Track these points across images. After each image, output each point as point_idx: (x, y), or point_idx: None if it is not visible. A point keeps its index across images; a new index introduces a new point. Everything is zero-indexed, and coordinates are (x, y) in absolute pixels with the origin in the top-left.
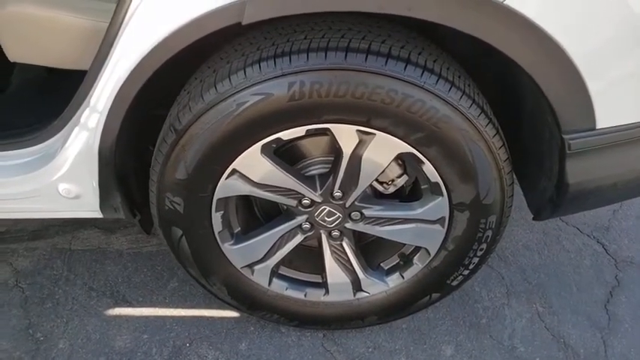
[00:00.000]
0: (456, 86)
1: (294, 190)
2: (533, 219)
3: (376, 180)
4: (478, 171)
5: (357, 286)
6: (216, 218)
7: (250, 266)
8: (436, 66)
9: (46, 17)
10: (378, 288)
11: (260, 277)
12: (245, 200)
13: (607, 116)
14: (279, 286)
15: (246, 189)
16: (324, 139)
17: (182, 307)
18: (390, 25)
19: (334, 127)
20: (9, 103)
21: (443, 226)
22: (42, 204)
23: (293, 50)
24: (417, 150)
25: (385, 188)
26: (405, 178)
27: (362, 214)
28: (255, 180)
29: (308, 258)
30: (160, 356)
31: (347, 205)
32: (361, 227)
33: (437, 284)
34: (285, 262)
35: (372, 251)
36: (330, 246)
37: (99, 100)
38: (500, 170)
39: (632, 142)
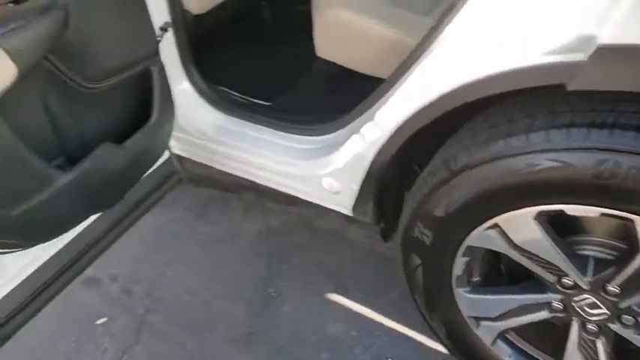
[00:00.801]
0: None
1: (556, 266)
2: None
3: None
4: None
5: None
6: (459, 262)
7: (478, 319)
8: None
9: (360, 24)
10: None
11: (484, 333)
12: (493, 252)
13: None
14: (501, 350)
15: (502, 246)
16: (613, 219)
17: (396, 321)
18: None
19: None
20: (311, 90)
21: None
22: (305, 188)
23: (617, 124)
24: None
25: None
26: None
27: (638, 322)
28: (515, 241)
29: (545, 333)
30: (362, 358)
31: (621, 306)
32: (631, 335)
33: None
34: (517, 329)
35: None
36: (580, 339)
37: (384, 122)
38: None
39: None
